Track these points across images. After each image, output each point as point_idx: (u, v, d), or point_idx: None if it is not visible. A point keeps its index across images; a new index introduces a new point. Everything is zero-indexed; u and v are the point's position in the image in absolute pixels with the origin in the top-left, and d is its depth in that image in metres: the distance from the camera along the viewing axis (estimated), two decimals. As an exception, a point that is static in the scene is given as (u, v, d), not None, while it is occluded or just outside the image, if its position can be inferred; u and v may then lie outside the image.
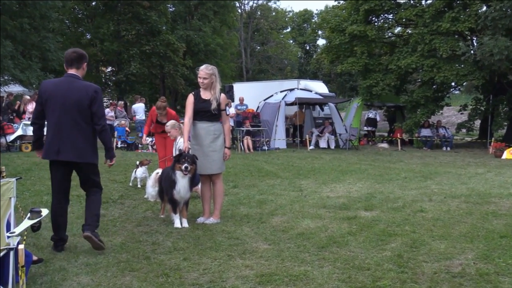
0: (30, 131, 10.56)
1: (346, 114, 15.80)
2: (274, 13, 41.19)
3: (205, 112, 4.43)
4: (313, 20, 41.48)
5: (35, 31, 15.10)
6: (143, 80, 24.84)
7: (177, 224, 4.33)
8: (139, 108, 14.90)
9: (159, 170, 5.43)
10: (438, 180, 7.34)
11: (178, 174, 4.30)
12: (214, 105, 4.42)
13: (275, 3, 57.10)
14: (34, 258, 3.03)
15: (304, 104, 15.22)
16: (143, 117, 14.65)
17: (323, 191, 6.24)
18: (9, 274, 2.58)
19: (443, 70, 13.34)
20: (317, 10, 48.15)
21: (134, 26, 22.69)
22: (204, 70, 4.44)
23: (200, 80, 4.46)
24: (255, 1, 38.66)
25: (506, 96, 13.91)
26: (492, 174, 8.15)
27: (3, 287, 2.59)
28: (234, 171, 8.09)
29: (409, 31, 16.48)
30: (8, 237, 2.68)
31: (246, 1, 37.56)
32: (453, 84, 15.32)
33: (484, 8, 13.16)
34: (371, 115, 16.62)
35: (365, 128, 16.78)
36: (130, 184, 6.59)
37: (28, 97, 12.99)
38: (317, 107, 16.89)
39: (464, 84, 18.19)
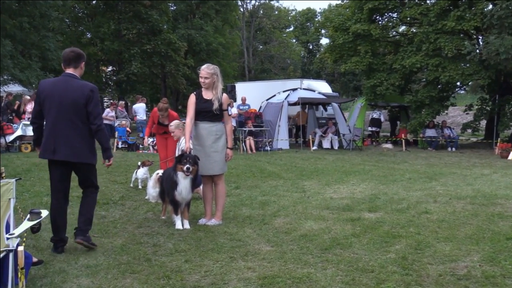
0: (29, 131, 10.57)
1: (350, 114, 15.73)
2: (276, 12, 41.12)
3: (207, 112, 4.40)
4: (316, 19, 41.49)
5: (34, 30, 15.09)
6: (144, 79, 24.72)
7: (178, 225, 4.30)
8: (139, 108, 14.77)
9: (160, 171, 5.41)
10: (443, 181, 7.30)
11: (180, 175, 4.27)
12: (216, 105, 4.39)
13: (277, 1, 57.21)
14: (34, 259, 3.02)
15: (307, 104, 15.16)
16: (144, 117, 14.55)
17: (326, 192, 6.21)
18: (8, 276, 2.58)
19: (448, 70, 13.24)
20: (320, 8, 48.26)
21: (135, 25, 22.60)
22: (206, 70, 4.41)
23: (201, 80, 4.44)
24: (258, 0, 38.69)
25: (512, 95, 13.82)
26: (498, 175, 8.09)
27: (2, 289, 2.57)
28: (236, 172, 8.06)
29: (414, 30, 16.40)
30: (8, 238, 2.67)
31: (248, 0, 37.61)
32: (458, 83, 15.19)
33: (490, 6, 13.07)
34: (375, 115, 16.52)
35: (369, 129, 16.70)
36: (131, 185, 6.57)
37: (28, 97, 12.95)
38: (320, 107, 16.82)
39: (469, 83, 18.03)
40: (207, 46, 24.40)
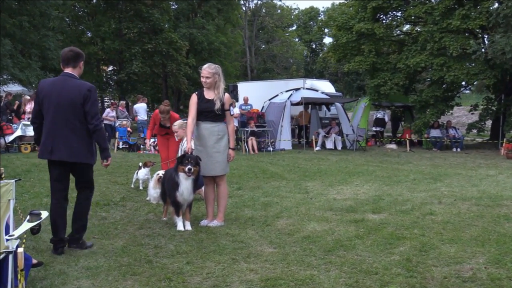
0: (29, 131, 10.54)
1: (353, 114, 15.64)
2: (279, 11, 41.04)
3: (208, 113, 4.38)
4: (319, 18, 41.35)
5: (34, 29, 15.07)
6: (145, 79, 24.66)
7: (180, 227, 4.28)
8: (140, 108, 14.63)
9: (160, 172, 5.39)
10: (448, 182, 7.26)
11: (181, 175, 4.25)
12: (218, 105, 4.36)
13: (280, 0, 56.97)
14: (34, 261, 3.01)
15: (310, 104, 15.11)
16: (145, 118, 14.46)
17: (329, 193, 6.18)
18: (8, 278, 2.57)
19: (453, 69, 13.14)
20: (323, 7, 48.10)
21: (136, 24, 22.53)
22: (207, 69, 4.39)
23: (203, 80, 4.41)
24: (260, -1, 38.56)
25: (518, 95, 13.69)
26: (504, 176, 8.04)
27: (2, 291, 2.55)
28: (238, 173, 8.04)
29: (418, 29, 16.27)
30: (7, 240, 2.66)
31: (250, -1, 37.44)
32: (463, 83, 15.07)
33: (496, 5, 12.95)
34: (379, 115, 16.43)
35: (373, 129, 16.61)
36: (132, 186, 6.55)
37: (28, 97, 12.87)
38: (324, 107, 16.77)
39: (475, 83, 17.91)
40: (208, 45, 24.35)
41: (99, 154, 3.64)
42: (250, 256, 3.47)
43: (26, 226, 2.82)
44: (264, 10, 39.26)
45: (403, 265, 3.26)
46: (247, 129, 12.83)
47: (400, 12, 15.79)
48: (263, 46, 39.71)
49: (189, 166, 4.20)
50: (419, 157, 11.67)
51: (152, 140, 9.50)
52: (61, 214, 3.56)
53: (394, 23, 16.03)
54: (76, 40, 21.88)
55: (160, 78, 25.26)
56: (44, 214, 3.00)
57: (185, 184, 4.24)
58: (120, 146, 12.56)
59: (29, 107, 11.91)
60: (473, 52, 12.42)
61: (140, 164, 6.51)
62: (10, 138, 10.83)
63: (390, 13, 15.86)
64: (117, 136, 12.68)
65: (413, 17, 15.08)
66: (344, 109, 15.07)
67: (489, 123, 15.75)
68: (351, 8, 16.41)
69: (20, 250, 2.60)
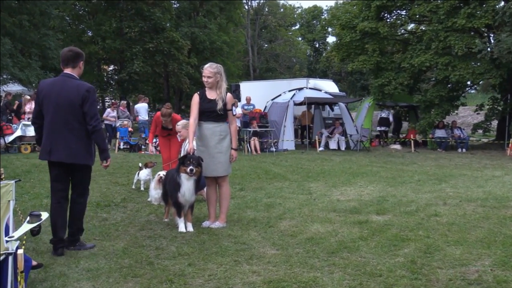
0: (29, 131, 10.53)
1: (357, 114, 15.57)
2: (282, 10, 40.91)
3: (210, 113, 4.35)
4: (323, 17, 41.28)
5: (34, 28, 15.06)
6: (147, 79, 24.64)
7: (181, 228, 4.25)
8: (141, 108, 14.49)
9: (161, 172, 5.36)
10: (453, 183, 7.20)
11: (183, 176, 4.22)
12: (220, 105, 4.33)
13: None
14: (34, 263, 2.99)
15: (313, 104, 15.05)
16: (146, 118, 14.35)
17: (333, 194, 6.14)
18: (7, 280, 2.56)
19: (458, 69, 13.04)
20: (326, 6, 47.97)
21: (137, 23, 22.50)
22: (209, 69, 4.36)
23: (204, 79, 4.38)
24: (262, -2, 38.48)
25: (525, 95, 13.56)
26: (510, 177, 7.98)
27: (1, 293, 2.53)
28: (241, 173, 8.01)
29: (423, 28, 16.17)
30: (7, 241, 2.65)
31: (253, -3, 37.36)
32: (468, 83, 14.98)
33: (502, 3, 12.83)
34: (384, 115, 16.34)
35: (378, 129, 16.52)
36: (133, 186, 6.53)
37: (28, 97, 12.81)
38: (327, 107, 16.71)
39: (480, 83, 17.76)
40: (210, 44, 24.28)
41: (99, 155, 3.62)
42: (252, 258, 3.45)
43: (26, 227, 2.81)
44: (266, 9, 39.20)
45: (407, 267, 3.23)
46: (249, 129, 12.80)
47: (404, 11, 15.69)
48: (266, 45, 39.66)
49: (191, 167, 4.17)
50: (423, 158, 11.60)
51: (153, 140, 9.48)
52: (61, 214, 3.55)
53: (399, 22, 15.94)
54: (76, 39, 21.91)
55: (162, 78, 25.27)
56: (44, 215, 2.98)
57: (187, 185, 4.22)
58: (121, 147, 12.53)
59: (29, 107, 11.88)
60: (478, 51, 12.31)
61: (140, 164, 6.48)
62: (10, 138, 10.81)
63: (394, 11, 15.76)
64: (118, 136, 12.65)
65: (417, 16, 14.97)
66: (348, 109, 15.01)
67: (495, 123, 15.63)
68: (354, 7, 16.34)
69: (20, 251, 2.59)
